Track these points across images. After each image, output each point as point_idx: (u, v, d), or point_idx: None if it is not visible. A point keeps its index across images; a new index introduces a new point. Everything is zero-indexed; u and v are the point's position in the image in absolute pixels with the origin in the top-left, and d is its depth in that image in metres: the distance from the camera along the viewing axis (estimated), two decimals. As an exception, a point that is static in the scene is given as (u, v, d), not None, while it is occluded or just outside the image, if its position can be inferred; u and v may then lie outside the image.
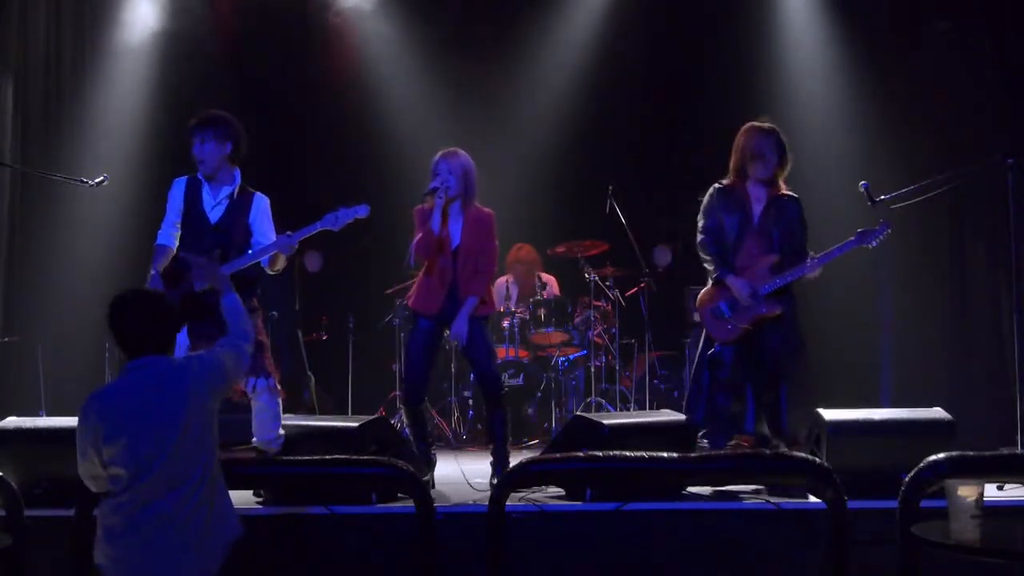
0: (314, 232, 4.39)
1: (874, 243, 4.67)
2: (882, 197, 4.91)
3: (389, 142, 8.19)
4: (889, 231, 4.65)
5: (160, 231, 4.51)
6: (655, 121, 8.10)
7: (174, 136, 7.22)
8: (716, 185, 4.81)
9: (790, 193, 4.79)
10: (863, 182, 4.89)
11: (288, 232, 4.35)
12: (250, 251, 4.38)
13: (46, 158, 6.85)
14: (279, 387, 4.38)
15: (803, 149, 7.47)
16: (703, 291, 4.85)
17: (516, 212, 7.34)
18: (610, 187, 6.69)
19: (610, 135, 8.29)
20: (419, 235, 4.71)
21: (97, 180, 5.14)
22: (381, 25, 8.17)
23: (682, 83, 8.11)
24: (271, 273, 4.51)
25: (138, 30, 7.39)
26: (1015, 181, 4.69)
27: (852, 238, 4.66)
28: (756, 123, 4.78)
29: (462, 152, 4.82)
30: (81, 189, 5.41)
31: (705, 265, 4.81)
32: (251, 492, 4.37)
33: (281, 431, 4.42)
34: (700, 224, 4.79)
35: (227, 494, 2.97)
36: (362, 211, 4.39)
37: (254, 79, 7.99)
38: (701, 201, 4.84)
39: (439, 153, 4.81)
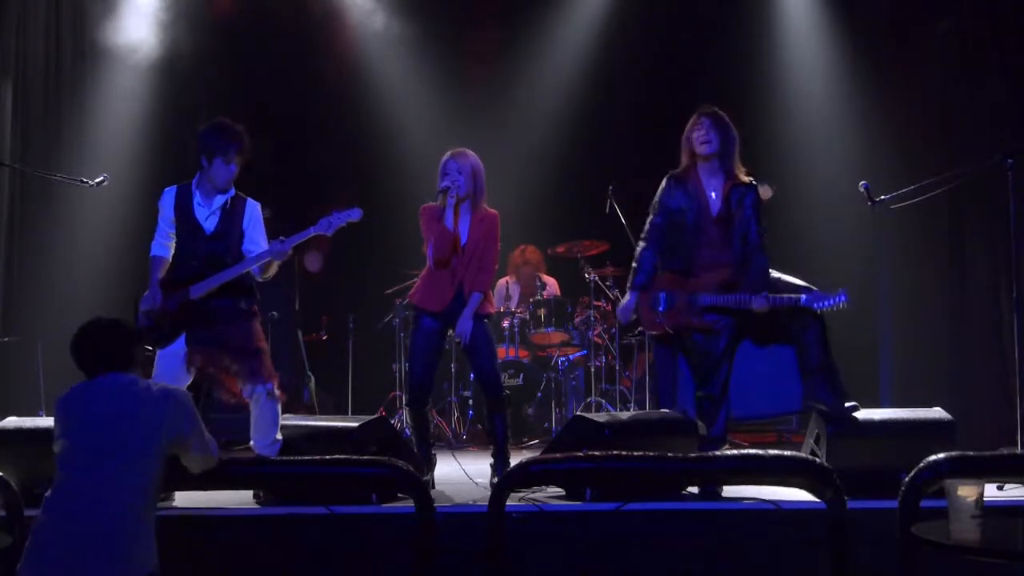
0: (307, 237, 4.39)
1: (820, 308, 4.43)
2: (882, 197, 4.91)
3: (390, 143, 8.20)
4: (845, 302, 4.40)
5: (154, 241, 4.51)
6: (655, 121, 8.10)
7: (175, 136, 7.26)
8: (669, 174, 4.72)
9: (747, 180, 4.65)
10: (863, 182, 4.88)
11: (281, 238, 4.35)
12: (246, 258, 4.38)
13: (46, 158, 6.85)
14: (278, 391, 4.37)
15: (803, 149, 7.53)
16: (660, 275, 4.71)
17: (516, 212, 7.32)
18: (610, 187, 6.69)
19: (610, 135, 8.30)
20: (433, 235, 4.71)
21: (97, 180, 5.15)
22: (382, 26, 8.17)
23: (683, 83, 8.10)
24: (262, 280, 4.49)
25: (137, 30, 7.39)
26: (1015, 181, 4.68)
27: (803, 296, 4.45)
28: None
29: (471, 152, 4.82)
30: (81, 189, 5.41)
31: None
32: (251, 492, 4.38)
33: (279, 436, 4.40)
34: (648, 219, 4.71)
35: (151, 540, 2.86)
36: (355, 215, 4.39)
37: (254, 80, 7.99)
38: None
39: (448, 153, 4.80)
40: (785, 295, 4.49)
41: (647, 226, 4.73)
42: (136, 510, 2.82)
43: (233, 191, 4.48)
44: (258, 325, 4.46)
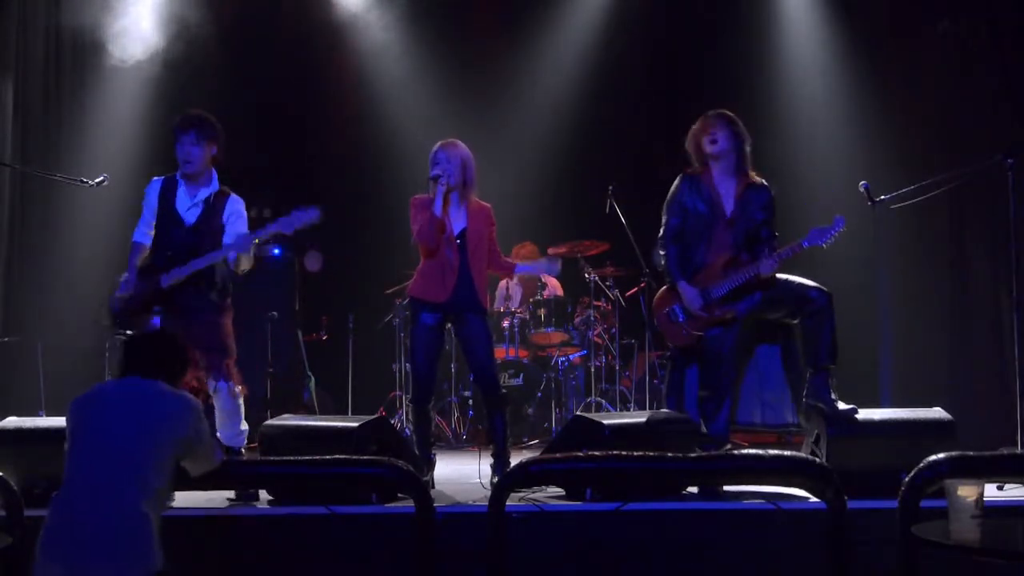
0: (269, 233, 4.44)
1: (826, 242, 4.45)
2: (882, 197, 4.91)
3: (389, 143, 8.19)
4: (843, 228, 4.45)
5: (136, 229, 4.58)
6: (655, 121, 8.11)
7: (174, 136, 7.25)
8: (683, 173, 4.69)
9: (761, 181, 4.65)
10: (863, 182, 4.88)
11: (246, 232, 4.42)
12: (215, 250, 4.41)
13: (46, 158, 6.85)
14: (238, 389, 4.43)
15: (803, 149, 7.52)
16: (658, 293, 4.75)
17: (517, 212, 7.35)
18: (610, 187, 6.68)
19: (610, 135, 8.29)
20: (419, 221, 4.71)
21: (97, 180, 5.17)
22: (382, 27, 8.17)
23: (682, 83, 8.11)
24: (237, 273, 4.52)
25: (138, 30, 7.38)
26: (1015, 181, 4.68)
27: (804, 238, 4.47)
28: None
29: (460, 143, 4.83)
30: (81, 189, 5.42)
31: (661, 263, 4.71)
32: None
33: (244, 426, 4.50)
34: (664, 220, 4.68)
35: (155, 537, 2.84)
36: (312, 214, 4.44)
37: (254, 79, 7.99)
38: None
39: (438, 144, 4.82)
40: (787, 247, 4.48)
41: (665, 228, 4.69)
42: (144, 512, 2.82)
43: (217, 186, 4.54)
44: (227, 321, 4.50)
